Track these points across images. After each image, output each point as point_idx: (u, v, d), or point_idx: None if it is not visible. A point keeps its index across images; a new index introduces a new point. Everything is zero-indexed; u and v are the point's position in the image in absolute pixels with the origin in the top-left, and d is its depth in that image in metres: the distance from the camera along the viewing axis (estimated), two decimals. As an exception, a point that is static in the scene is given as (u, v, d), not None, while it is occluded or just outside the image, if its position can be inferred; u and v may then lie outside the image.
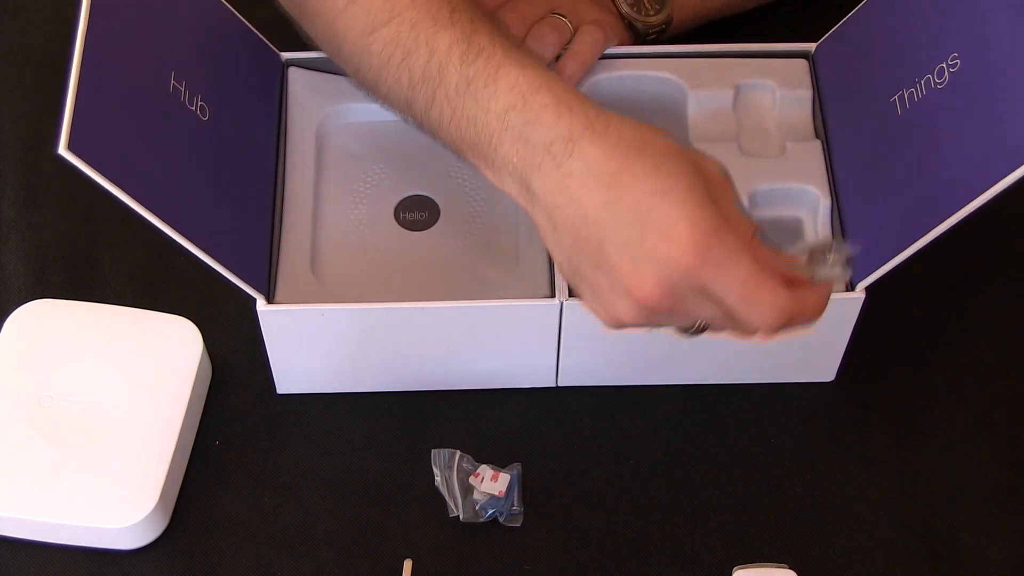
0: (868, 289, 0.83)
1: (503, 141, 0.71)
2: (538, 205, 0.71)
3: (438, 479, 0.87)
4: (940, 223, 0.77)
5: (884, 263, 0.81)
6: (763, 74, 0.93)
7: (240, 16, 0.90)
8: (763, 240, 0.70)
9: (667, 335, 0.75)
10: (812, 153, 0.90)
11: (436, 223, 0.90)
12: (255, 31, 0.91)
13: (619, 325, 0.72)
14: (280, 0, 0.84)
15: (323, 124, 0.92)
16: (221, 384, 0.91)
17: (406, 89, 0.76)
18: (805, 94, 0.93)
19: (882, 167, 0.84)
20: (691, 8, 0.99)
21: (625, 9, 0.96)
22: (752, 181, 0.89)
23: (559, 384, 0.91)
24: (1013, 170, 0.73)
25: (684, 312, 0.70)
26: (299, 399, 0.90)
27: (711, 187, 0.68)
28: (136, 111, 0.77)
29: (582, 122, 0.70)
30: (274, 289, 0.85)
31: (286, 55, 0.93)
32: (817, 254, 0.73)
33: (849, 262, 0.74)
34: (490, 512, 0.85)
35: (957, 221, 0.77)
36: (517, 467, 0.87)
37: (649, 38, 0.97)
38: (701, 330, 0.73)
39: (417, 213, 0.90)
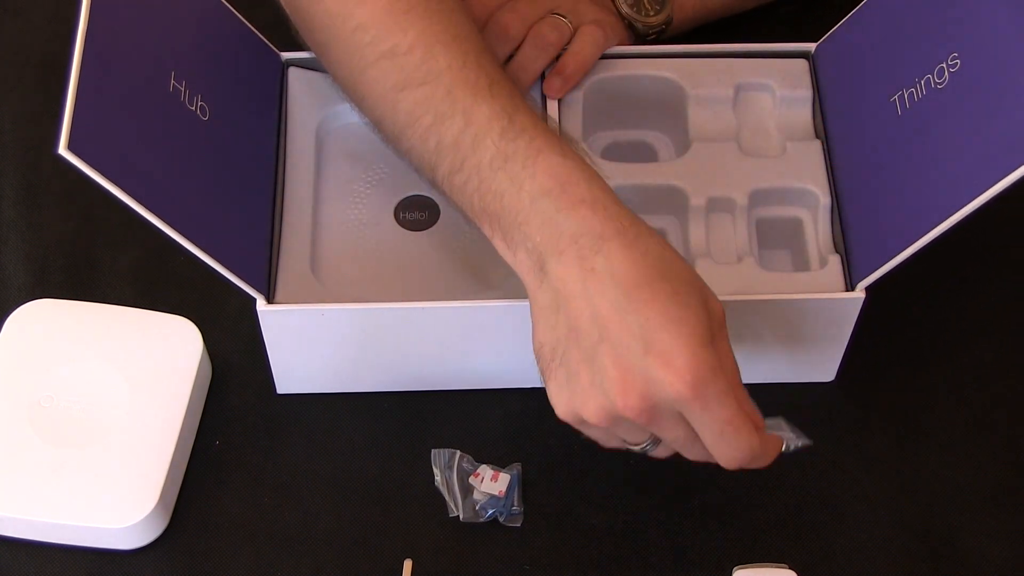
0: (868, 289, 0.83)
1: (530, 221, 0.72)
2: (547, 286, 0.72)
3: (438, 479, 0.87)
4: (940, 223, 0.77)
5: (884, 263, 0.81)
6: (763, 74, 0.93)
7: (240, 16, 0.90)
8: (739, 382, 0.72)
9: None
10: (812, 153, 0.90)
11: (436, 223, 0.90)
12: (255, 31, 0.91)
13: (577, 421, 0.74)
14: (299, 37, 0.84)
15: (323, 124, 0.92)
16: (221, 384, 0.91)
17: (432, 152, 0.76)
18: (805, 94, 0.93)
19: (882, 167, 0.84)
20: (691, 8, 0.99)
21: (625, 9, 0.96)
22: (752, 181, 0.89)
23: (559, 384, 0.91)
24: (1013, 170, 0.73)
25: (654, 427, 0.72)
26: (299, 399, 0.90)
27: (712, 324, 0.71)
28: (136, 111, 0.77)
29: (615, 226, 0.71)
30: (274, 289, 0.85)
31: (286, 55, 0.93)
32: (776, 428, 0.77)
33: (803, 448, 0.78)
34: (490, 512, 0.85)
35: (957, 221, 0.77)
36: (517, 467, 0.87)
37: (649, 38, 0.97)
38: (649, 448, 0.76)
39: (417, 213, 0.90)
